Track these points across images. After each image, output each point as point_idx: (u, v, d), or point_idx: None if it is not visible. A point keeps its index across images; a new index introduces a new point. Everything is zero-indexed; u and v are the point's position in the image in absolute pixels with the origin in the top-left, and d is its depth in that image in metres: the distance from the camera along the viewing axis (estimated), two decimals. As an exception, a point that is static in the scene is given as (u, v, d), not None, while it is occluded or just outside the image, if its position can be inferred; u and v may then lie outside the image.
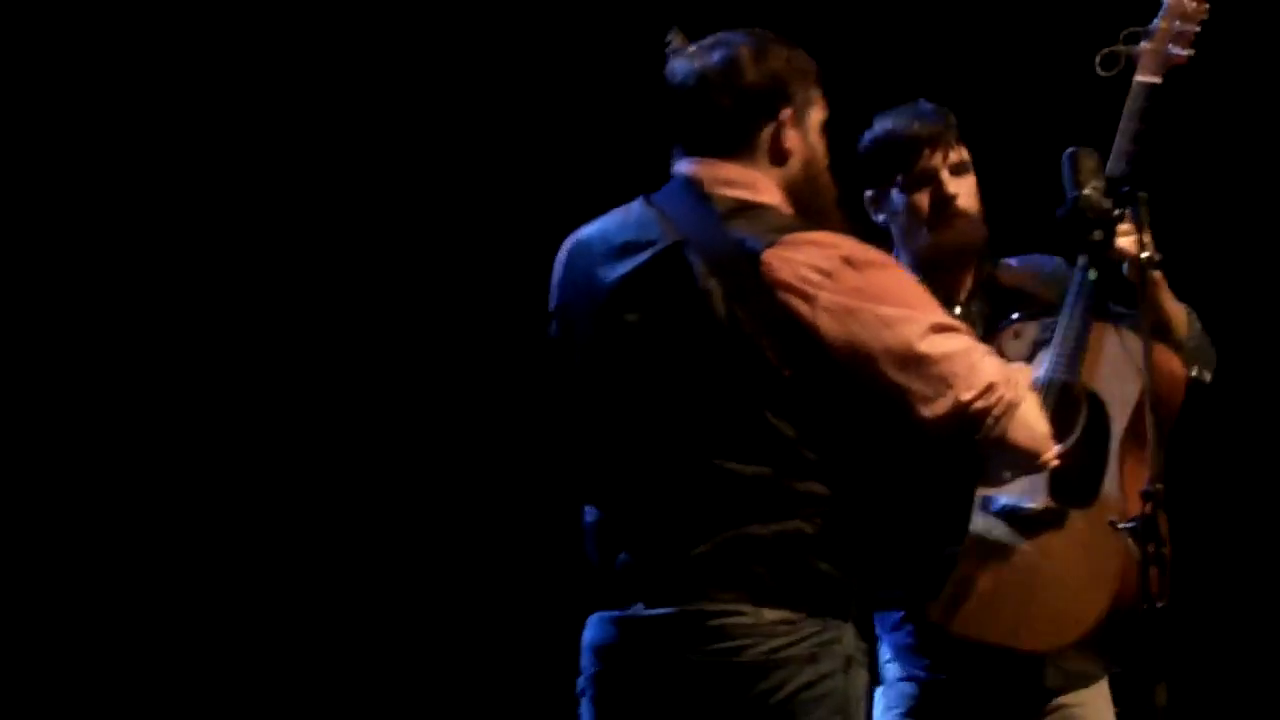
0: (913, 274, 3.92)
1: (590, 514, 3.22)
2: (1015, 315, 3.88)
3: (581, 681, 3.22)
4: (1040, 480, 3.72)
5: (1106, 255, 3.64)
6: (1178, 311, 3.84)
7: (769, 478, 3.07)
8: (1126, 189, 3.48)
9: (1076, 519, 3.75)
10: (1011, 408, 3.07)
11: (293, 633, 5.42)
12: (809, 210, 3.18)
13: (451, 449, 5.44)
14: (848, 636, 3.11)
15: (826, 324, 3.05)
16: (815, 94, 3.23)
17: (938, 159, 3.93)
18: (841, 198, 3.25)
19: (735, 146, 3.18)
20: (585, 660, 3.22)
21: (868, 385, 3.07)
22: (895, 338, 3.05)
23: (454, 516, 5.45)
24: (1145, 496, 3.18)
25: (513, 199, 5.37)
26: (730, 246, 3.09)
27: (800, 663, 3.05)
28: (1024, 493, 3.75)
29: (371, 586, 5.45)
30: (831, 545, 3.08)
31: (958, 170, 3.95)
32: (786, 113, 3.18)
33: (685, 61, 3.20)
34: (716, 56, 3.18)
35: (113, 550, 5.35)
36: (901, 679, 3.95)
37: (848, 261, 3.08)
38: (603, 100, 5.24)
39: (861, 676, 3.13)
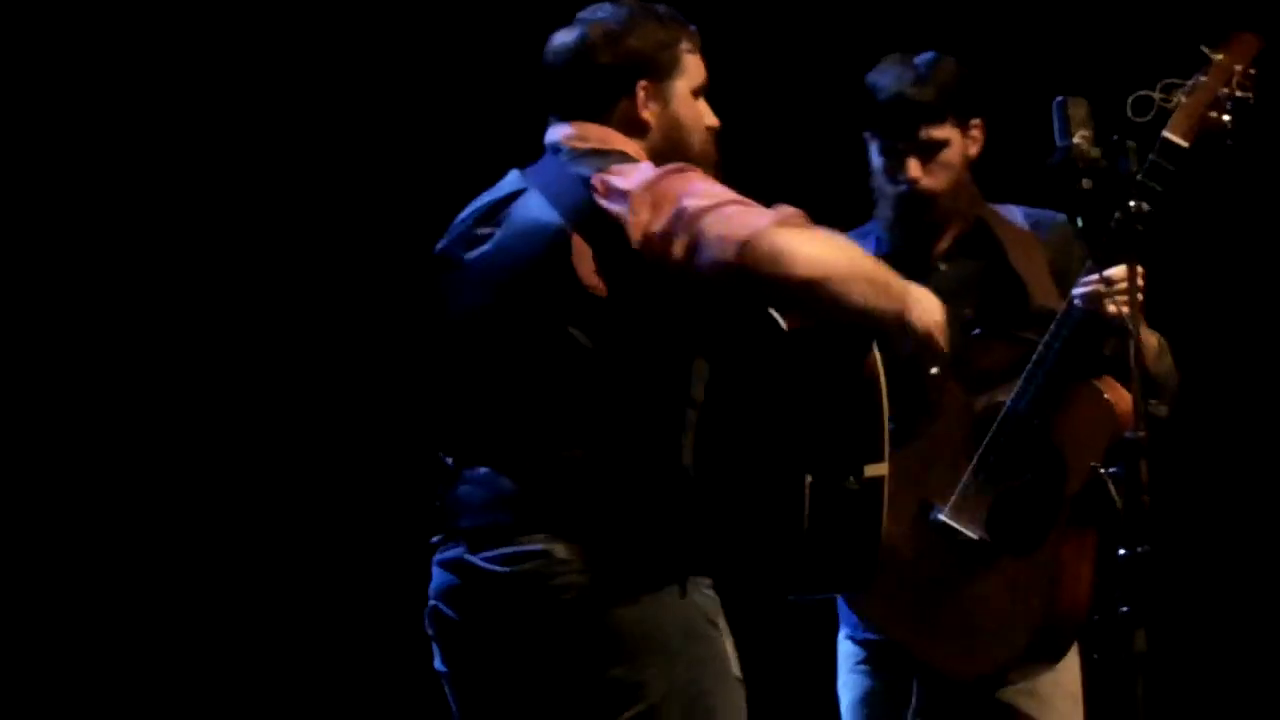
0: (888, 231, 3.85)
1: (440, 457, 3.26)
2: (978, 330, 3.77)
3: (426, 624, 3.24)
4: (980, 513, 3.71)
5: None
6: (1149, 339, 3.71)
7: (578, 407, 3.09)
8: (1116, 138, 3.30)
9: (1007, 563, 3.71)
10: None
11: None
12: None
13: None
14: (674, 566, 3.08)
15: (644, 244, 3.05)
16: (685, 63, 3.27)
17: (903, 136, 3.78)
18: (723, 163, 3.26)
19: (596, 116, 3.24)
20: (429, 602, 3.24)
21: (691, 299, 3.06)
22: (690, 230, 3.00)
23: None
24: (1128, 444, 3.14)
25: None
26: (566, 178, 3.15)
27: (630, 598, 3.05)
28: (965, 519, 3.71)
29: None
30: (643, 476, 3.07)
31: (927, 149, 3.79)
32: (643, 86, 3.23)
33: (558, 34, 3.28)
34: (574, 34, 3.25)
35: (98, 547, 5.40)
36: (847, 638, 3.95)
37: (669, 178, 3.07)
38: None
39: (693, 606, 3.09)
